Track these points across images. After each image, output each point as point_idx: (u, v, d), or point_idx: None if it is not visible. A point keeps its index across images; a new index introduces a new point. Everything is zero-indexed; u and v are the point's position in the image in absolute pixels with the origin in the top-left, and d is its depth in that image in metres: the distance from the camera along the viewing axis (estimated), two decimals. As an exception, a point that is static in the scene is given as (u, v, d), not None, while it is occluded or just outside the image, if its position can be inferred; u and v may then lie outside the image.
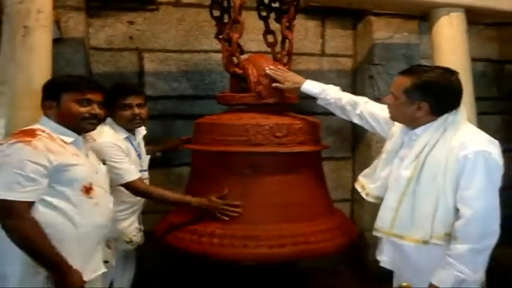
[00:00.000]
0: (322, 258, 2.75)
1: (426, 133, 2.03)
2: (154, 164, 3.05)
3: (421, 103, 2.00)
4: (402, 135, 2.16)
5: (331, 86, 2.60)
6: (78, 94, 2.05)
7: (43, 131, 2.00)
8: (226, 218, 2.47)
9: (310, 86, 2.60)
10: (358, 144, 4.07)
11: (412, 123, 2.08)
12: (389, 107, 2.16)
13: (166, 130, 3.72)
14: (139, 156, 2.75)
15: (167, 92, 3.72)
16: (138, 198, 2.71)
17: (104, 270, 2.19)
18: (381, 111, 2.36)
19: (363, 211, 3.88)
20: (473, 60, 3.48)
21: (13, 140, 1.92)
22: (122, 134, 2.65)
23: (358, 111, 2.46)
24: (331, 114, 2.67)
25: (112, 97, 2.52)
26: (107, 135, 2.53)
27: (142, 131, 2.85)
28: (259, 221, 2.45)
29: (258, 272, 3.12)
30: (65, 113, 2.04)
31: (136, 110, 2.66)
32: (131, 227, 2.74)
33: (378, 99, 3.76)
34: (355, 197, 4.07)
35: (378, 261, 2.27)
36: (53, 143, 1.97)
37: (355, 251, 3.50)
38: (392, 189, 2.11)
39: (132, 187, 2.53)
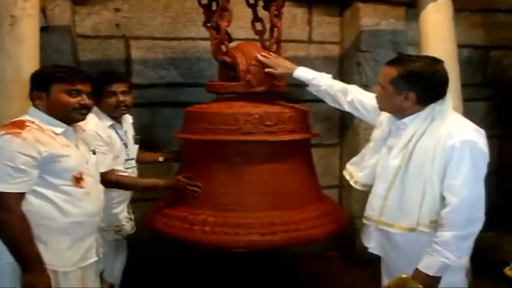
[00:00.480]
0: (312, 245, 2.79)
1: (414, 123, 2.05)
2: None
3: (408, 93, 2.02)
4: (390, 124, 2.19)
5: (323, 74, 2.62)
6: (68, 85, 2.04)
7: (32, 122, 2.00)
8: (189, 198, 2.54)
9: (303, 73, 2.62)
10: (346, 131, 4.10)
11: (400, 113, 2.10)
12: (377, 98, 2.18)
13: (155, 118, 3.72)
14: (125, 145, 2.75)
15: (155, 80, 3.71)
16: None
17: (96, 258, 2.21)
18: (370, 99, 2.38)
19: (351, 197, 3.92)
20: (459, 46, 3.50)
21: (2, 132, 1.93)
22: (107, 122, 2.65)
23: (348, 99, 2.48)
24: (319, 101, 2.69)
25: (97, 85, 2.51)
26: (91, 123, 2.51)
27: (128, 119, 2.85)
28: (250, 209, 2.47)
29: (249, 258, 3.15)
30: (55, 103, 2.04)
31: (121, 97, 2.66)
32: (121, 215, 2.75)
33: (365, 86, 3.78)
34: (343, 184, 4.10)
35: (366, 247, 2.32)
36: (43, 134, 1.98)
37: (343, 237, 3.54)
38: (381, 178, 2.15)
39: (102, 178, 2.53)
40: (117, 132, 2.71)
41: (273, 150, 2.56)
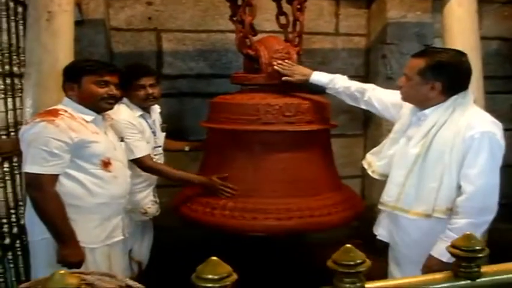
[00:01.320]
0: (336, 231, 2.88)
1: (435, 113, 2.12)
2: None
3: (435, 83, 2.09)
4: (410, 115, 2.26)
5: (338, 76, 2.70)
6: (97, 76, 2.21)
7: (65, 111, 2.18)
8: (225, 195, 2.63)
9: (319, 77, 2.71)
10: (369, 122, 4.15)
11: (424, 103, 2.17)
12: (402, 89, 2.24)
13: (184, 108, 3.86)
14: (154, 133, 2.91)
15: (185, 71, 3.85)
16: None
17: (122, 237, 2.38)
18: (389, 95, 2.46)
19: (374, 187, 3.97)
20: (488, 38, 3.50)
21: (38, 119, 2.11)
22: (137, 112, 2.80)
23: (365, 98, 2.56)
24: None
25: (126, 78, 2.67)
26: (123, 113, 2.68)
27: (156, 109, 3.00)
28: (268, 195, 2.60)
29: (273, 243, 3.26)
30: (85, 93, 2.22)
31: (150, 90, 2.80)
32: (146, 199, 2.91)
33: (390, 78, 3.85)
34: (365, 174, 4.14)
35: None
36: (74, 122, 2.16)
37: (365, 225, 3.62)
38: (399, 165, 2.22)
39: (140, 163, 2.70)
40: (146, 122, 2.87)
41: (291, 140, 2.67)
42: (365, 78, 4.10)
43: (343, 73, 4.10)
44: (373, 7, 4.07)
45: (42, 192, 2.07)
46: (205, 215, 2.61)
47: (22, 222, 2.80)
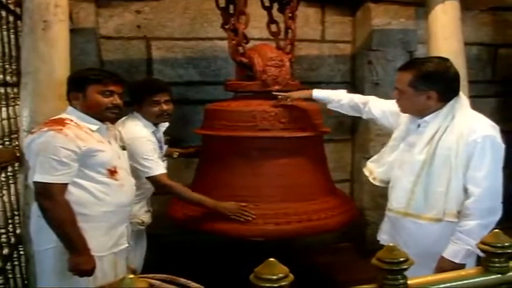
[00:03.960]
0: (325, 235, 2.92)
1: (436, 120, 2.18)
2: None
3: (429, 92, 2.15)
4: (408, 123, 2.34)
5: (339, 90, 2.77)
6: (102, 86, 2.23)
7: (71, 120, 2.19)
8: (241, 219, 2.59)
9: (320, 93, 2.76)
10: (357, 127, 4.23)
11: (423, 112, 2.22)
12: (398, 102, 2.30)
13: (174, 115, 3.86)
14: (160, 147, 2.92)
15: (174, 79, 3.87)
16: (150, 185, 2.85)
17: (127, 245, 2.40)
18: (388, 105, 2.51)
19: (363, 191, 4.06)
20: (468, 44, 3.60)
21: (46, 129, 2.11)
22: (150, 129, 2.79)
23: (367, 108, 2.62)
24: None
25: (139, 93, 2.69)
26: (141, 129, 2.69)
27: (165, 124, 3.00)
28: (266, 200, 2.65)
29: (265, 248, 3.30)
30: (90, 103, 2.23)
31: (164, 106, 2.77)
32: (141, 210, 2.92)
33: (376, 84, 3.94)
34: (354, 178, 4.25)
35: (376, 238, 2.46)
36: (81, 131, 2.17)
37: (354, 228, 3.68)
38: (406, 172, 2.26)
39: (155, 181, 2.67)
40: (156, 137, 2.86)
41: (287, 146, 2.73)
42: (351, 84, 4.19)
43: (330, 79, 4.22)
44: (358, 15, 4.16)
45: (53, 201, 2.07)
46: (204, 221, 2.64)
47: (18, 232, 2.79)
